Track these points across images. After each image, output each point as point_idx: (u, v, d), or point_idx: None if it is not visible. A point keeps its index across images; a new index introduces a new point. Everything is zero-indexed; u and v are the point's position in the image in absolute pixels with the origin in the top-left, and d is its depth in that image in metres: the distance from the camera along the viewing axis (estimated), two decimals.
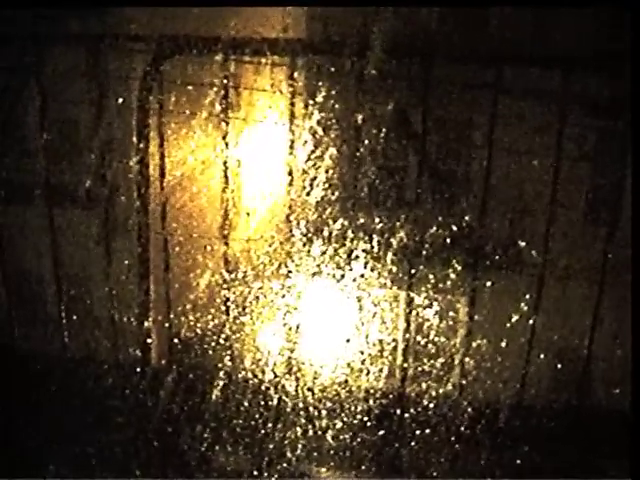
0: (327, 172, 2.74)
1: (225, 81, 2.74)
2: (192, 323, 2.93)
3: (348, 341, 2.83)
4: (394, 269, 2.79)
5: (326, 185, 2.76)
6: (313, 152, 2.73)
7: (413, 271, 2.72)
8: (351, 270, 2.78)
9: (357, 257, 2.77)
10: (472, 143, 2.79)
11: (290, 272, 2.79)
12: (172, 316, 2.87)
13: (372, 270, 2.78)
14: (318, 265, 2.81)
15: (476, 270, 2.65)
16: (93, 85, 2.93)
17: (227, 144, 2.78)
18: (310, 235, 2.78)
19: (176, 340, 2.93)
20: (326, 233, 2.79)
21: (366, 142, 2.75)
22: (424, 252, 2.77)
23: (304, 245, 2.79)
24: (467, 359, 2.76)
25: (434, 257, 2.78)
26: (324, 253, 2.79)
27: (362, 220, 2.78)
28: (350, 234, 2.77)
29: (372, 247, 2.76)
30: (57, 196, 2.89)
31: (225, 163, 2.80)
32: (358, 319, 2.82)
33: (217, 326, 2.91)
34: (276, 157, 2.79)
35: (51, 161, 2.94)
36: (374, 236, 2.76)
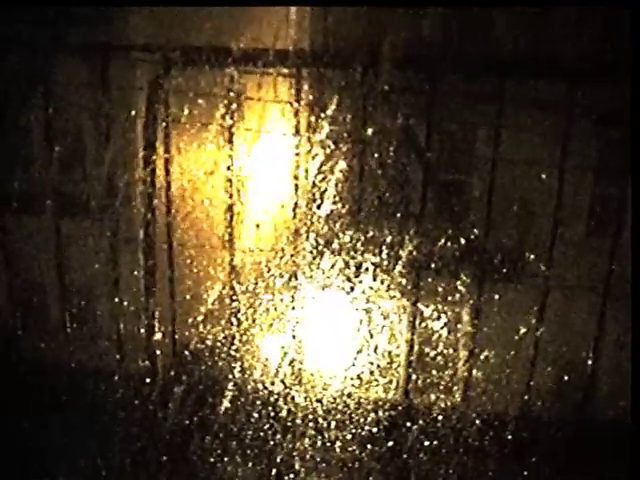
0: (336, 185, 2.89)
1: (233, 93, 2.90)
2: (201, 334, 3.04)
3: (357, 353, 2.94)
4: (402, 281, 2.91)
5: (335, 198, 2.91)
6: (322, 165, 2.88)
7: (421, 283, 2.83)
8: (360, 282, 2.90)
9: (366, 269, 2.89)
10: (478, 155, 2.93)
11: (299, 284, 2.90)
12: (180, 327, 2.99)
13: (381, 282, 2.89)
14: (327, 277, 2.93)
15: (483, 282, 2.82)
16: (98, 94, 3.03)
17: (236, 156, 2.94)
18: (319, 247, 2.92)
19: (185, 352, 3.08)
20: (335, 246, 2.92)
21: (375, 155, 2.87)
22: (432, 265, 2.90)
23: (313, 257, 2.92)
24: (474, 371, 2.85)
25: (442, 269, 2.89)
26: (333, 266, 2.91)
27: (370, 233, 2.88)
28: (359, 247, 2.88)
29: (380, 260, 2.89)
30: (62, 207, 3.06)
31: (233, 175, 2.95)
32: (366, 331, 2.93)
33: (226, 338, 3.00)
34: (284, 169, 2.87)
35: (56, 171, 3.05)
36: (382, 249, 2.89)
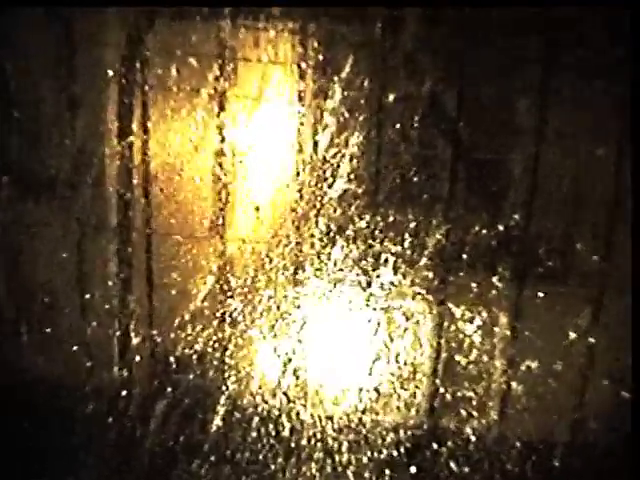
0: (350, 161, 2.93)
1: (226, 51, 2.95)
2: (188, 338, 3.07)
3: (374, 361, 2.98)
4: (428, 276, 2.95)
5: (349, 177, 2.94)
6: (333, 138, 2.93)
7: (451, 279, 2.93)
8: (378, 277, 2.96)
9: (385, 262, 2.94)
10: (518, 128, 2.97)
11: (306, 279, 3.00)
12: (163, 330, 3.11)
13: (402, 277, 2.94)
14: (339, 271, 2.99)
15: (525, 278, 2.88)
16: (66, 52, 3.09)
17: (231, 127, 3.01)
18: (330, 235, 2.97)
19: (169, 358, 3.13)
20: (349, 233, 2.96)
21: (396, 127, 2.89)
22: (464, 256, 2.93)
23: (323, 247, 2.98)
24: (514, 384, 2.95)
25: (475, 262, 2.92)
26: (346, 257, 2.97)
27: (391, 218, 2.94)
28: (377, 234, 2.94)
29: (402, 250, 2.93)
30: (21, 185, 3.17)
31: (228, 150, 3.04)
32: (386, 335, 2.97)
33: (219, 342, 3.08)
34: (289, 143, 2.95)
35: (15, 145, 3.16)
36: (405, 237, 2.93)
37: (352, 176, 2.93)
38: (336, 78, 2.89)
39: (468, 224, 2.94)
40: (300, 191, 2.96)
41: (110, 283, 3.21)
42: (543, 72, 2.79)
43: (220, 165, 3.03)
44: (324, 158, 2.93)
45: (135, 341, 3.19)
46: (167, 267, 3.15)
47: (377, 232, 2.95)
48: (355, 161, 2.92)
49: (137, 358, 3.20)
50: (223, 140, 3.00)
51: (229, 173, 3.03)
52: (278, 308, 3.03)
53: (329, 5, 2.80)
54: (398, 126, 2.92)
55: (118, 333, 3.21)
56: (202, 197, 3.11)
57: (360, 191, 2.94)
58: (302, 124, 2.95)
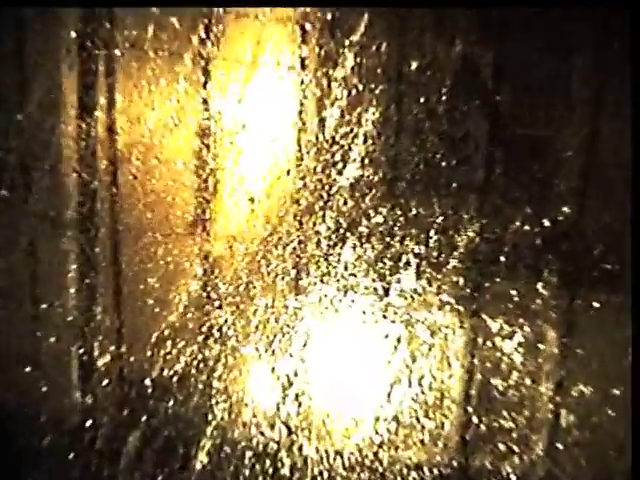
0: (364, 142, 2.92)
1: (213, 7, 2.95)
2: (168, 357, 3.08)
3: (392, 386, 2.98)
4: (459, 282, 2.95)
5: (363, 161, 2.93)
6: (345, 114, 2.92)
7: (486, 284, 2.93)
8: (397, 283, 2.96)
9: (407, 265, 2.94)
10: (568, 101, 2.94)
11: (310, 285, 3.00)
12: (137, 347, 3.12)
13: (427, 283, 2.94)
14: (350, 275, 2.98)
15: (577, 284, 2.88)
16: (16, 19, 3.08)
17: (219, 99, 3.03)
18: (340, 232, 2.96)
19: (145, 381, 3.13)
20: (362, 230, 2.96)
21: (420, 99, 2.89)
22: (502, 258, 2.92)
23: (331, 247, 2.98)
24: (563, 412, 2.95)
25: (515, 265, 2.91)
26: (359, 258, 2.96)
27: (413, 211, 2.94)
28: (397, 231, 2.94)
29: (427, 251, 2.93)
30: None
31: (215, 127, 3.05)
32: (407, 353, 2.96)
33: (205, 361, 3.08)
34: (291, 120, 2.96)
35: None
36: (430, 235, 2.93)
37: (366, 160, 2.93)
38: (347, 41, 2.89)
39: (507, 218, 2.93)
40: (303, 179, 2.97)
41: (71, 290, 3.22)
42: None
43: (206, 147, 3.04)
44: (332, 138, 2.93)
45: (102, 360, 3.18)
46: (141, 271, 3.16)
47: (396, 228, 2.95)
48: (370, 142, 2.93)
49: (104, 381, 3.19)
50: (210, 116, 3.02)
51: (217, 157, 3.04)
52: (277, 320, 3.03)
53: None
54: (422, 99, 2.92)
55: (81, 351, 3.21)
56: (184, 186, 3.11)
57: (376, 179, 2.94)
58: (306, 97, 2.96)
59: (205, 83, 3.01)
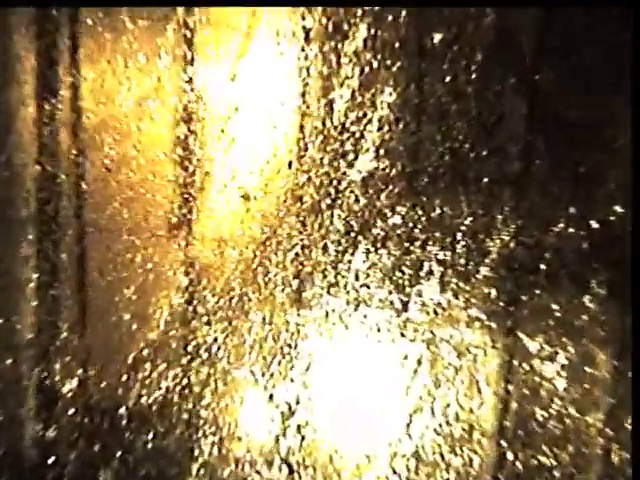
0: (380, 128, 2.94)
1: None
2: (146, 382, 3.11)
3: (412, 415, 3.00)
4: (491, 294, 2.96)
5: (377, 151, 2.95)
6: (356, 95, 2.94)
7: (523, 297, 2.94)
8: (418, 296, 2.98)
9: (429, 274, 2.96)
10: (624, 83, 2.95)
11: (315, 298, 3.02)
12: (110, 370, 3.15)
13: (454, 296, 2.97)
14: (363, 287, 3.00)
15: (632, 297, 2.76)
16: None
17: (206, 77, 3.05)
18: (350, 236, 2.98)
19: (119, 410, 3.16)
20: (377, 232, 2.98)
21: (445, 78, 2.91)
22: (542, 266, 2.93)
23: (340, 253, 3.00)
24: (615, 447, 2.93)
25: (558, 274, 2.93)
26: (373, 266, 2.98)
27: (437, 211, 2.95)
28: (417, 234, 2.95)
29: (454, 256, 2.95)
30: None
31: (203, 110, 3.07)
32: (429, 378, 2.98)
33: (190, 387, 3.10)
34: (293, 102, 2.99)
35: None
36: (458, 237, 2.94)
37: (382, 150, 2.94)
38: (359, 10, 2.90)
39: (548, 219, 2.93)
40: (307, 172, 2.99)
41: (32, 303, 3.25)
42: None
43: (193, 133, 3.08)
44: (342, 125, 2.95)
45: (67, 386, 3.21)
46: (115, 280, 3.18)
47: (417, 231, 2.96)
48: (386, 129, 2.94)
49: (70, 410, 3.22)
50: (197, 98, 3.05)
51: (205, 145, 3.07)
52: (275, 339, 3.05)
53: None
54: (448, 78, 2.93)
55: (43, 375, 3.23)
56: (166, 180, 3.14)
57: (393, 172, 2.95)
58: (310, 75, 2.98)
59: (192, 60, 3.04)
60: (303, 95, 2.99)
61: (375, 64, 2.92)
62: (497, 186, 2.95)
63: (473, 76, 2.90)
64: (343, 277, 3.00)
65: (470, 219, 2.94)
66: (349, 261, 3.00)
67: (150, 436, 3.12)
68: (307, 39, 2.97)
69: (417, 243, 2.96)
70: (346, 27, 2.90)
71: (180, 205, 3.12)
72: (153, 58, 3.04)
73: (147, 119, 3.10)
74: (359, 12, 2.87)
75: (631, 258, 2.67)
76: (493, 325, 2.97)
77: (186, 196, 3.11)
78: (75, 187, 3.18)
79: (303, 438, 3.05)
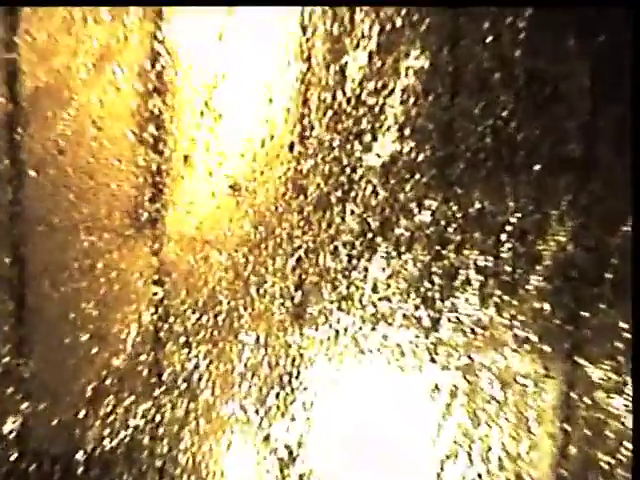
0: (405, 101, 2.89)
1: None
2: (110, 420, 3.08)
3: (444, 462, 2.99)
4: (544, 309, 2.93)
5: (401, 132, 2.91)
6: (375, 59, 2.90)
7: (584, 313, 2.92)
8: (453, 311, 2.95)
9: (466, 284, 2.94)
10: None
11: (323, 314, 2.99)
12: (64, 406, 3.11)
13: (497, 311, 2.94)
14: (381, 300, 2.97)
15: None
16: None
17: (180, 34, 3.00)
18: (366, 237, 2.95)
19: (77, 456, 3.11)
20: (400, 232, 2.94)
21: (486, 38, 2.87)
22: (607, 274, 2.92)
23: (354, 258, 2.96)
24: None
25: (627, 284, 2.83)
26: (395, 275, 2.95)
27: (477, 205, 2.93)
28: (451, 235, 2.92)
29: (497, 263, 2.91)
30: None
31: (182, 84, 3.02)
32: (466, 414, 2.97)
33: (164, 426, 3.08)
34: (291, 68, 2.96)
35: None
36: (501, 239, 2.91)
37: (407, 129, 2.92)
38: None
39: (613, 217, 2.92)
40: (313, 156, 2.96)
41: None
42: None
43: (168, 107, 3.03)
44: (357, 97, 2.92)
45: (8, 425, 3.16)
46: (71, 292, 3.12)
47: (451, 230, 2.94)
48: (412, 101, 2.91)
49: (12, 454, 3.16)
50: (171, 62, 3.02)
51: (182, 123, 3.04)
52: (272, 366, 3.04)
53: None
54: (488, 38, 2.89)
55: None
56: (135, 165, 3.09)
57: (421, 157, 2.92)
58: (315, 33, 2.95)
59: (160, 11, 3.00)
60: (308, 60, 2.94)
61: (398, 21, 2.88)
62: (551, 175, 2.92)
63: (521, 36, 2.86)
64: (357, 288, 2.98)
65: (517, 216, 2.91)
66: (365, 268, 2.97)
67: None
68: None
69: (450, 246, 2.93)
70: None
71: (152, 197, 3.08)
72: (119, 12, 2.97)
73: (111, 89, 3.03)
74: None
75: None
76: (546, 348, 2.95)
77: (160, 186, 3.07)
78: (17, 174, 3.11)
79: None
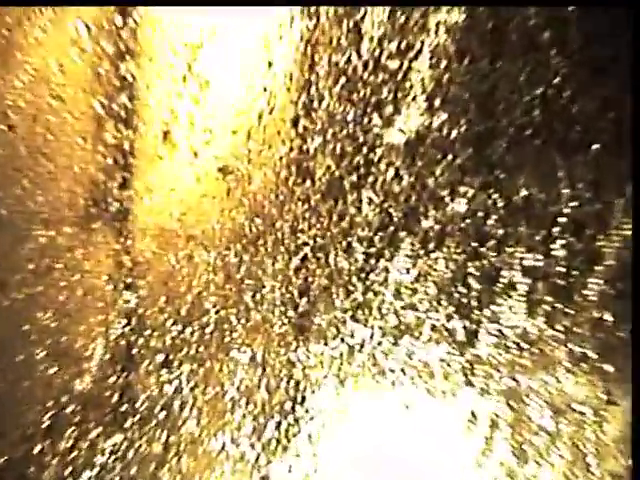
0: (435, 65, 2.72)
1: None
2: (74, 455, 2.97)
3: None
4: (606, 320, 2.70)
5: (430, 101, 2.74)
6: (396, 13, 2.73)
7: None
8: (494, 322, 2.76)
9: (509, 289, 2.73)
10: None
11: (333, 326, 2.83)
12: (16, 439, 3.02)
13: (548, 322, 2.72)
14: (406, 309, 2.80)
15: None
16: None
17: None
18: (386, 233, 2.80)
19: None
20: (426, 228, 2.76)
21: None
22: None
23: (371, 257, 2.80)
24: None
25: None
26: (421, 279, 2.77)
27: (522, 193, 2.72)
28: (490, 230, 2.73)
29: (549, 262, 2.70)
30: None
31: (145, 42, 2.90)
32: (509, 449, 2.78)
33: (139, 463, 2.94)
34: (291, 23, 2.82)
35: None
36: (553, 233, 2.70)
37: (436, 100, 2.73)
38: None
39: None
40: (321, 133, 2.79)
41: None
42: None
43: (141, 71, 2.91)
44: (376, 60, 2.73)
45: None
46: (23, 299, 3.02)
47: (490, 224, 2.74)
48: (443, 65, 2.72)
49: None
50: (149, 19, 2.90)
51: (161, 92, 2.90)
52: (271, 388, 2.89)
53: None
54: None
55: None
56: (102, 144, 2.97)
57: (453, 134, 2.74)
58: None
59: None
60: (315, 13, 2.76)
61: None
62: (613, 155, 2.68)
63: None
64: (376, 294, 2.80)
65: (572, 205, 2.68)
66: (386, 269, 2.78)
67: None
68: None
69: (490, 242, 2.72)
70: None
71: (123, 183, 2.95)
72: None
73: (73, 50, 2.89)
74: None
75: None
76: (608, 368, 2.71)
77: (132, 169, 2.94)
78: None
79: None
